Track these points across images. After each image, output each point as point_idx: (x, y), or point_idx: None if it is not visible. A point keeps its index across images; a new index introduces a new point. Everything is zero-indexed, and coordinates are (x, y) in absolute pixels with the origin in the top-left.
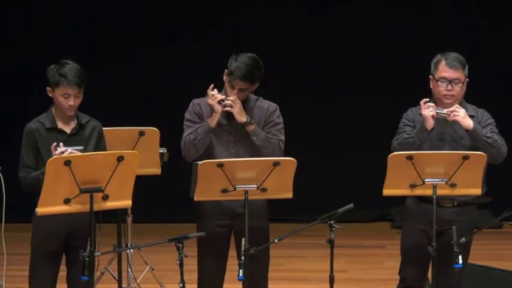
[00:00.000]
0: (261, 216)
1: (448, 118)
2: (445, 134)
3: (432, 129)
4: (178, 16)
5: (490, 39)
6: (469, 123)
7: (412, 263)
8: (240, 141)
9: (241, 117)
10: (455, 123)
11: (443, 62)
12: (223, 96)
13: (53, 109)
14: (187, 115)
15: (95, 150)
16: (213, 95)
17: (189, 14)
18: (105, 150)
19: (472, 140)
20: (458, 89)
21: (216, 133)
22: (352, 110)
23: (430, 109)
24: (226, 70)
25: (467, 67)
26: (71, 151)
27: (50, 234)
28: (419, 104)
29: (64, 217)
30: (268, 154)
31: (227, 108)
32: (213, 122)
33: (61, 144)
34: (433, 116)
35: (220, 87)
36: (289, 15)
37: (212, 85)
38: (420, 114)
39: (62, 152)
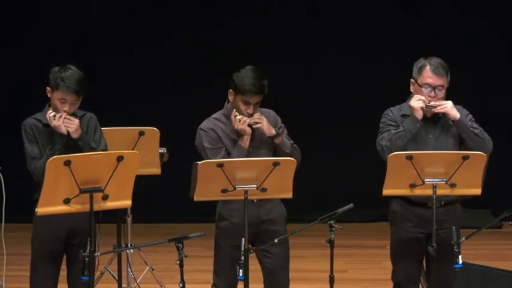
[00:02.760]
0: (282, 222)
1: (435, 110)
2: (429, 135)
3: (422, 119)
4: (179, 16)
5: (490, 40)
6: (455, 113)
7: (406, 267)
8: (257, 152)
9: (270, 130)
10: (439, 124)
11: (427, 68)
12: (250, 118)
13: (50, 108)
14: (207, 144)
15: (94, 140)
16: (239, 120)
17: (190, 14)
18: (102, 138)
19: (460, 131)
20: (442, 96)
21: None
22: (352, 110)
23: (419, 101)
24: (231, 90)
25: (449, 73)
26: (66, 115)
27: (51, 235)
28: (398, 104)
29: (64, 217)
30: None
31: (257, 125)
32: (246, 144)
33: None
34: (422, 108)
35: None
36: (289, 15)
37: (235, 111)
38: (402, 116)
39: (55, 116)
